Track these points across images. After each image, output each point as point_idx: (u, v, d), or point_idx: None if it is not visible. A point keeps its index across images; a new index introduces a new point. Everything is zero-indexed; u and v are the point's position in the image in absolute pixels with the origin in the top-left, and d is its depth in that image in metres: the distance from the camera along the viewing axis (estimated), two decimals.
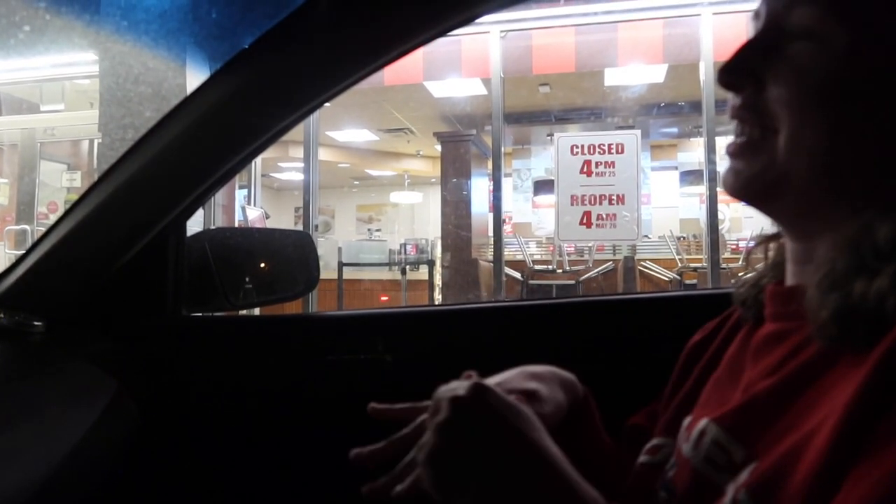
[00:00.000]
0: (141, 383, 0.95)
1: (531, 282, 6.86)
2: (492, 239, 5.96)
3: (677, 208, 9.25)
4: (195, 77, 3.90)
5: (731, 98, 0.54)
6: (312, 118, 5.77)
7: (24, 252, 0.95)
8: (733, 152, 0.54)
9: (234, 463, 1.03)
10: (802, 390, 0.46)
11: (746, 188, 0.53)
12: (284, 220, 12.39)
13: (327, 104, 0.95)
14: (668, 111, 8.30)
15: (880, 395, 0.39)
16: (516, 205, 9.53)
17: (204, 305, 1.06)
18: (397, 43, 0.84)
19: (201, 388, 1.03)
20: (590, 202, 4.80)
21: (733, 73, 0.53)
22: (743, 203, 0.55)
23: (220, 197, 5.03)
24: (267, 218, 6.57)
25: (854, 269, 0.44)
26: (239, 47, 0.87)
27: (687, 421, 0.58)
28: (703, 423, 0.52)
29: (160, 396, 0.99)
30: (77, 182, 6.26)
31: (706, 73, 5.12)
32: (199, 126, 0.91)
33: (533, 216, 9.28)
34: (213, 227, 4.27)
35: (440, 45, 5.57)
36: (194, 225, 1.06)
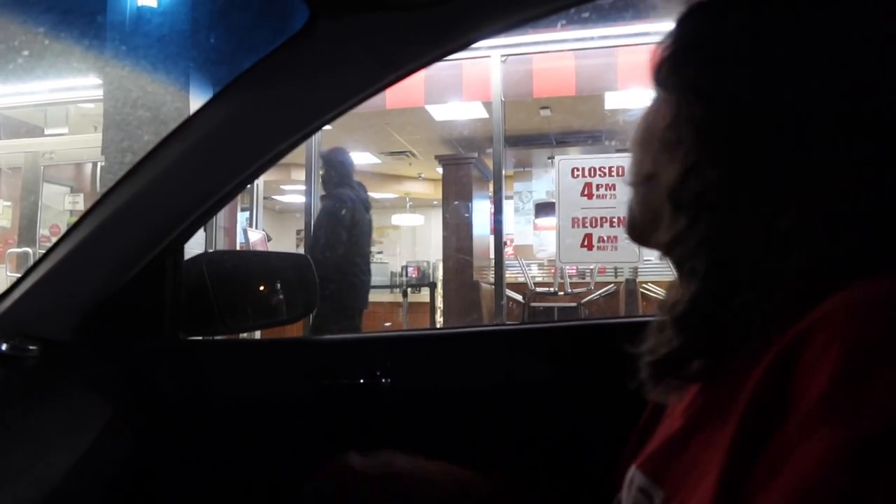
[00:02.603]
0: (137, 408, 0.95)
1: (533, 304, 6.84)
2: (493, 261, 5.95)
3: None
4: (198, 101, 3.93)
5: None
6: (314, 140, 5.80)
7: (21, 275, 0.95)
8: None
9: (232, 488, 1.02)
10: (705, 423, 0.46)
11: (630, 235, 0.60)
12: (286, 242, 12.39)
13: (329, 127, 0.95)
14: None
15: (761, 421, 0.38)
16: (518, 227, 9.53)
17: (201, 329, 1.05)
18: (397, 66, 0.84)
19: (198, 413, 1.02)
20: (591, 225, 4.79)
21: None
22: None
23: (221, 219, 5.04)
24: (269, 240, 6.57)
25: (687, 281, 0.48)
26: (239, 71, 0.88)
27: (631, 472, 0.58)
28: (631, 470, 0.54)
29: (157, 421, 0.98)
30: (80, 205, 6.28)
31: None
32: (198, 149, 0.91)
33: (534, 238, 9.28)
34: (211, 251, 4.27)
35: (441, 68, 5.61)
36: (195, 247, 1.06)
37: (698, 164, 0.48)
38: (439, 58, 0.85)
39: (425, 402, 0.99)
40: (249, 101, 0.88)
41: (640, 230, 0.56)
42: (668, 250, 0.52)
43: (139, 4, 3.95)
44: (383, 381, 0.96)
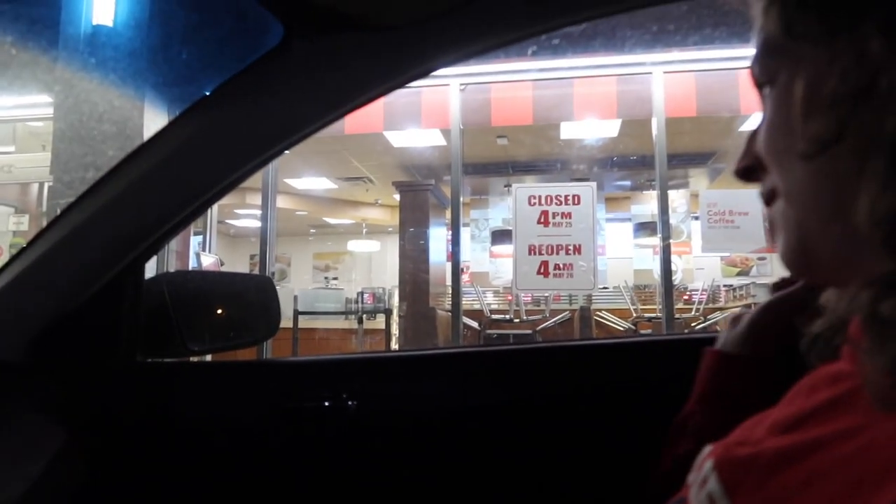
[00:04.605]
0: (92, 432, 0.91)
1: (488, 331, 6.86)
2: (450, 288, 5.96)
3: (631, 259, 9.42)
4: (153, 120, 3.86)
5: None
6: (271, 165, 5.76)
7: None
8: (771, 235, 0.48)
9: None
10: (821, 470, 0.37)
11: (789, 270, 0.46)
12: (239, 267, 12.19)
13: (287, 152, 0.95)
14: (621, 164, 8.54)
15: None
16: (474, 254, 9.58)
17: (160, 351, 1.02)
18: (368, 88, 0.85)
19: (156, 437, 0.99)
20: (547, 252, 4.86)
21: (739, 161, 0.49)
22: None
23: (174, 243, 4.94)
24: (221, 265, 6.47)
25: None
26: (200, 93, 0.87)
27: (707, 449, 0.51)
28: (708, 464, 0.48)
29: (112, 446, 0.94)
30: (24, 226, 6.08)
31: (658, 129, 5.30)
32: (162, 167, 0.89)
33: (490, 266, 9.33)
34: (172, 270, 4.17)
35: (400, 95, 5.66)
36: (147, 271, 1.03)
37: None
38: (410, 80, 0.86)
39: (392, 425, 0.98)
40: (211, 124, 0.87)
41: (814, 211, 0.42)
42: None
43: (94, 23, 3.89)
44: (349, 403, 0.95)
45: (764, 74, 0.45)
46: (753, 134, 0.48)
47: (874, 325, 0.36)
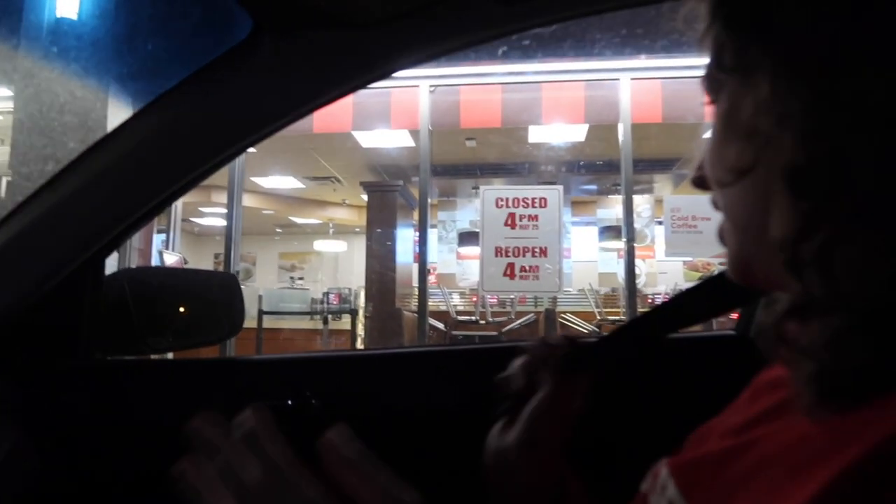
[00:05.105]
0: (46, 432, 0.89)
1: (454, 332, 6.87)
2: (416, 289, 5.95)
3: (596, 262, 9.52)
4: (117, 112, 3.78)
5: None
6: (238, 163, 5.69)
7: None
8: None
9: None
10: (761, 460, 0.40)
11: (732, 274, 0.47)
12: (203, 266, 12.00)
13: (253, 150, 0.94)
14: (588, 169, 8.63)
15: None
16: (441, 256, 9.59)
17: (120, 349, 1.00)
18: (337, 84, 0.84)
19: (114, 437, 0.97)
20: (513, 254, 4.88)
21: (695, 171, 0.50)
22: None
23: (136, 240, 4.84)
24: (185, 264, 6.36)
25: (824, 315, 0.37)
26: (166, 86, 0.86)
27: (663, 459, 0.54)
28: (664, 471, 0.50)
29: (67, 446, 0.92)
30: None
31: (624, 134, 5.37)
32: (123, 162, 0.88)
33: (457, 267, 9.35)
34: (133, 266, 4.09)
35: (370, 95, 5.64)
36: (107, 269, 1.01)
37: (826, 135, 0.36)
38: (378, 78, 0.85)
39: (356, 424, 0.97)
40: (176, 117, 0.86)
41: (742, 241, 0.44)
42: (795, 242, 0.38)
43: (58, 15, 3.80)
44: (313, 402, 0.94)
45: (709, 93, 0.47)
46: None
47: (783, 345, 0.39)
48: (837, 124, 0.36)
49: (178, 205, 6.49)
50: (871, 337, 0.35)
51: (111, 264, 1.03)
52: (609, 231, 9.17)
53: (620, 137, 5.43)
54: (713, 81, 0.45)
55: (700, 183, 0.49)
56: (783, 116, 0.38)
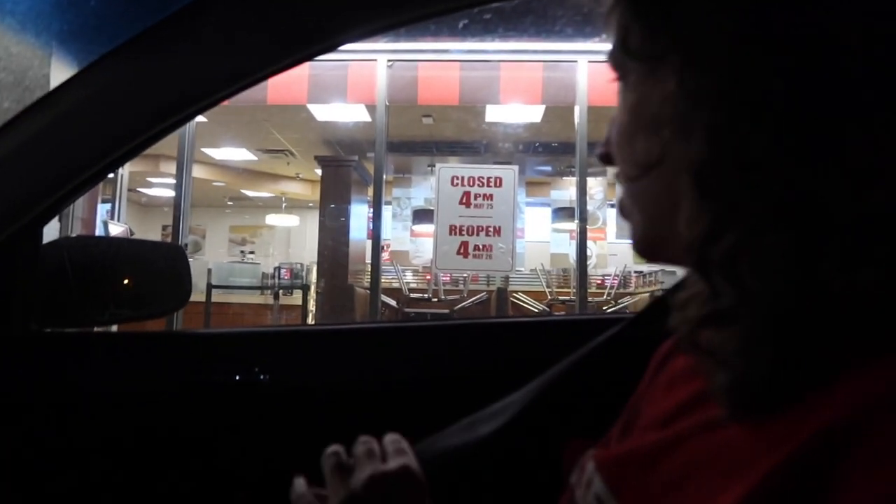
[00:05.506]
0: None
1: (406, 309, 6.87)
2: (369, 266, 5.92)
3: (548, 243, 9.62)
4: (58, 72, 3.61)
5: None
6: (188, 132, 5.53)
7: None
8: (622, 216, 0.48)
9: (86, 495, 0.93)
10: (693, 460, 0.39)
11: (636, 252, 0.46)
12: (151, 237, 11.71)
13: (203, 118, 0.91)
14: (543, 150, 8.67)
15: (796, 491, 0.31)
16: (395, 233, 9.55)
17: (59, 320, 0.96)
18: (278, 57, 0.81)
19: (50, 412, 0.93)
20: (468, 233, 4.89)
21: (603, 145, 0.48)
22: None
23: (79, 209, 4.67)
24: (131, 235, 6.19)
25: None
26: (109, 46, 0.82)
27: (590, 452, 0.53)
28: (590, 467, 0.49)
29: (2, 418, 0.89)
30: None
31: (580, 116, 5.40)
32: (63, 124, 0.84)
33: (411, 245, 9.34)
34: (73, 235, 3.95)
35: (326, 68, 5.53)
36: (48, 238, 0.97)
37: (736, 129, 0.35)
38: (331, 48, 0.83)
39: (306, 400, 0.96)
40: (127, 75, 0.82)
41: (650, 227, 0.44)
42: (702, 244, 0.37)
43: None
44: (262, 377, 0.93)
45: (615, 70, 0.45)
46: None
47: (697, 353, 0.39)
48: (744, 122, 0.35)
49: (125, 174, 6.29)
50: (782, 342, 0.34)
51: (52, 233, 0.98)
52: (562, 212, 9.26)
53: (576, 120, 5.46)
54: (619, 63, 0.44)
55: (606, 158, 0.48)
56: (689, 111, 0.37)
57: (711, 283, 0.37)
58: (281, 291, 7.91)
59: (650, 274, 8.49)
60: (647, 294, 7.64)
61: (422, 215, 8.35)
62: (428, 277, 7.71)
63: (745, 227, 0.35)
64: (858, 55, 0.33)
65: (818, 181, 0.34)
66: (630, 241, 0.46)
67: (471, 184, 4.90)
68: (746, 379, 0.35)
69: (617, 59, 0.44)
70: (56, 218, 0.96)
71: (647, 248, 0.45)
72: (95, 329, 1.11)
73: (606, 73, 0.49)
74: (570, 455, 0.67)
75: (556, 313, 6.96)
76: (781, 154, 0.34)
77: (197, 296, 6.75)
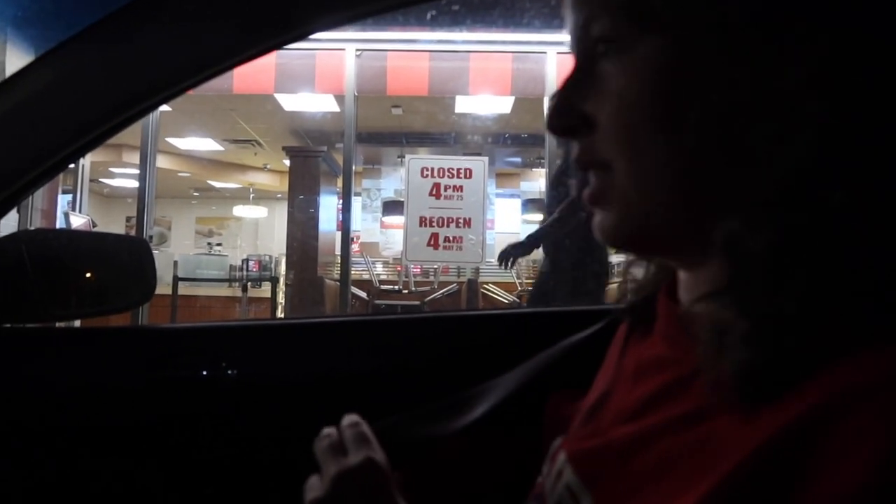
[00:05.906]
0: None
1: (377, 301, 6.85)
2: (339, 257, 5.88)
3: (519, 234, 9.67)
4: (14, 59, 3.50)
5: (573, 146, 0.46)
6: (151, 121, 5.42)
7: None
8: (588, 202, 0.45)
9: (47, 494, 0.91)
10: (669, 453, 0.39)
11: (613, 241, 0.45)
12: (114, 229, 11.47)
13: (168, 107, 0.89)
14: (513, 141, 8.69)
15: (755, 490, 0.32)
16: (365, 224, 9.51)
17: (16, 315, 0.93)
18: (243, 46, 0.80)
19: (10, 410, 0.90)
20: (438, 224, 4.88)
21: (559, 117, 0.45)
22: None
23: (38, 200, 4.56)
24: (94, 227, 6.06)
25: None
26: (68, 33, 0.79)
27: (557, 442, 0.53)
28: (561, 458, 0.49)
29: None
30: None
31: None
32: (20, 112, 0.81)
33: (381, 236, 9.31)
34: (33, 228, 3.85)
35: (294, 57, 5.46)
36: (5, 230, 0.94)
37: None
38: (299, 37, 0.82)
39: (274, 395, 0.94)
40: (87, 62, 0.80)
41: (633, 217, 0.43)
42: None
43: None
44: (229, 372, 0.91)
45: (615, 30, 0.41)
46: (577, 89, 0.44)
47: (713, 332, 0.37)
48: (744, 110, 0.36)
49: (86, 164, 6.16)
50: (788, 331, 0.34)
51: (10, 225, 0.95)
52: (532, 203, 9.31)
53: (546, 111, 5.48)
54: (635, 19, 0.41)
55: (567, 131, 0.45)
56: (689, 96, 0.38)
57: (730, 260, 0.37)
58: (249, 284, 7.83)
59: (619, 264, 8.59)
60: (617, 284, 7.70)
61: (392, 207, 8.33)
62: (398, 269, 7.69)
63: (744, 217, 0.35)
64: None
65: (818, 171, 0.34)
66: (598, 231, 0.45)
67: (441, 175, 4.89)
68: (751, 367, 0.35)
69: (626, 14, 0.41)
70: (14, 210, 0.93)
71: (627, 238, 0.44)
72: (57, 325, 1.08)
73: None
74: (551, 410, 0.67)
75: (526, 305, 7.00)
76: (780, 143, 0.35)
77: (163, 288, 6.65)
